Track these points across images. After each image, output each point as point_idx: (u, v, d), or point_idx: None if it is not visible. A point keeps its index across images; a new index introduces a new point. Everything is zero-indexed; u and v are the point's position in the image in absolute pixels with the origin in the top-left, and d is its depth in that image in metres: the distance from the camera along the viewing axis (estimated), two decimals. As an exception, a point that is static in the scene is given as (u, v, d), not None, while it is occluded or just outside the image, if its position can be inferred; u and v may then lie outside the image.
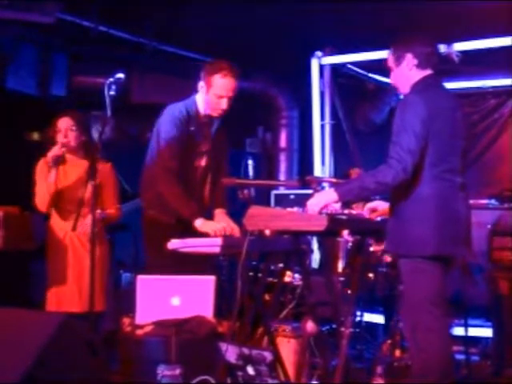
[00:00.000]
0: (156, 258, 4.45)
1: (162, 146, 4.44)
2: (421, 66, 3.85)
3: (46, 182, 4.79)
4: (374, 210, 4.22)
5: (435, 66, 3.90)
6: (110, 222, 5.03)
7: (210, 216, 4.55)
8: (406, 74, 3.89)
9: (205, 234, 4.20)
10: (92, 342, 3.54)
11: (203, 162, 4.60)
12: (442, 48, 6.46)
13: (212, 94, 4.43)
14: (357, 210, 5.70)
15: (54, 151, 4.78)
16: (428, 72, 3.86)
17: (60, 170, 4.86)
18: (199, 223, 4.27)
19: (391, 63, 3.96)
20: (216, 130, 4.63)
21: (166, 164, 4.41)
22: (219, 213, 4.60)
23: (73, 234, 4.76)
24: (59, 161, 4.81)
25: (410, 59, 3.86)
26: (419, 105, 3.69)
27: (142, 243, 4.72)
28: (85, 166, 4.69)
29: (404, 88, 3.93)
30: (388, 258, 5.29)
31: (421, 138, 3.65)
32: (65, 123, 4.86)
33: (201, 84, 4.49)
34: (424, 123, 3.66)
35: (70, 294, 4.76)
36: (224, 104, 4.45)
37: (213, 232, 4.19)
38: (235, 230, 4.34)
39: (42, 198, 4.82)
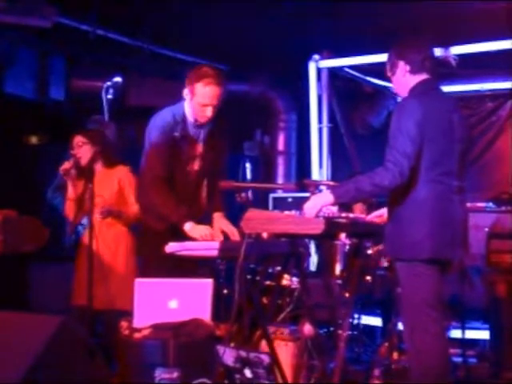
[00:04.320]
0: (150, 263, 4.47)
1: (150, 153, 4.46)
2: (414, 71, 3.87)
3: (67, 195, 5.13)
4: (379, 217, 4.23)
5: (432, 70, 3.90)
6: (131, 222, 5.16)
7: (208, 219, 4.54)
8: (402, 80, 3.92)
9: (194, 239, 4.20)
10: (90, 344, 3.54)
11: (196, 166, 4.55)
12: (439, 51, 6.50)
13: (196, 102, 4.38)
14: (356, 212, 5.72)
15: (64, 165, 5.05)
16: (423, 76, 3.87)
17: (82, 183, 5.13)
18: (188, 227, 4.26)
19: (388, 73, 4.00)
20: (210, 133, 4.56)
21: (153, 171, 4.43)
22: (218, 216, 4.59)
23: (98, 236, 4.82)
24: (70, 174, 5.06)
25: (402, 66, 3.89)
26: (415, 108, 3.71)
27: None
28: (110, 175, 5.09)
29: (404, 94, 3.95)
30: (384, 263, 5.30)
31: (416, 141, 3.66)
32: (75, 140, 5.14)
33: (185, 91, 4.43)
34: (419, 127, 3.67)
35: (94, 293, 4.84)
36: (208, 112, 4.38)
37: (200, 237, 4.18)
38: (234, 233, 4.35)
39: (68, 209, 5.15)
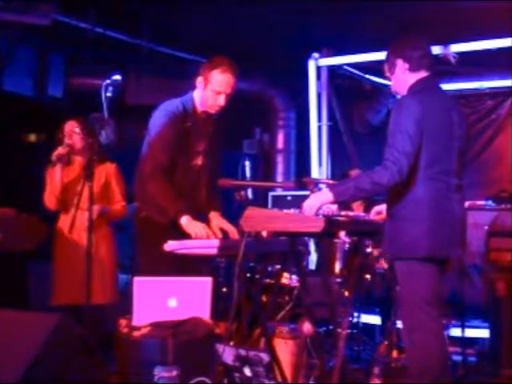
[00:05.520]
0: (149, 259, 4.40)
1: (154, 139, 4.34)
2: (412, 69, 3.87)
3: (52, 181, 5.11)
4: (379, 213, 4.22)
5: (430, 68, 3.90)
6: (115, 219, 5.24)
7: (205, 219, 4.49)
8: (401, 78, 3.92)
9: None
10: (89, 342, 3.54)
11: (199, 162, 4.48)
12: (439, 49, 6.50)
13: (210, 89, 4.34)
14: (356, 210, 5.72)
15: (58, 150, 5.07)
16: (422, 74, 3.87)
17: (69, 171, 5.16)
18: (184, 221, 4.17)
19: (387, 73, 4.00)
20: (214, 130, 4.52)
21: (156, 159, 4.31)
22: (214, 215, 4.52)
23: (78, 229, 4.92)
24: (62, 160, 5.09)
25: (401, 64, 3.89)
26: (413, 106, 3.70)
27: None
28: (97, 170, 4.92)
29: (403, 92, 3.95)
30: (384, 264, 5.30)
31: (415, 139, 3.65)
32: (69, 126, 5.16)
33: (199, 79, 4.38)
34: (418, 125, 3.66)
35: (76, 287, 4.84)
36: (221, 100, 4.35)
37: (194, 235, 4.13)
38: (233, 232, 4.32)
39: (48, 196, 5.16)
